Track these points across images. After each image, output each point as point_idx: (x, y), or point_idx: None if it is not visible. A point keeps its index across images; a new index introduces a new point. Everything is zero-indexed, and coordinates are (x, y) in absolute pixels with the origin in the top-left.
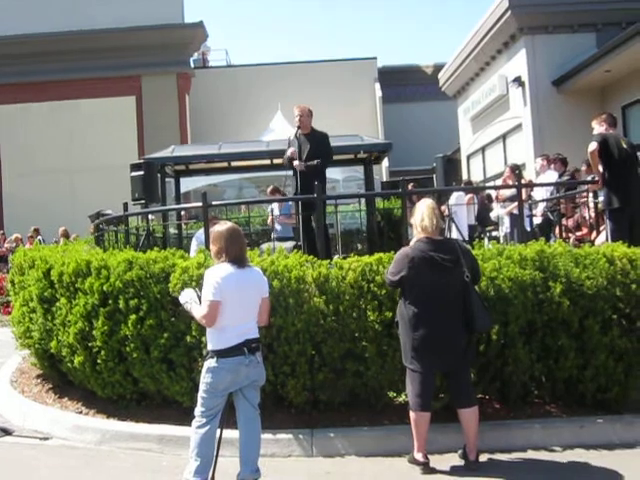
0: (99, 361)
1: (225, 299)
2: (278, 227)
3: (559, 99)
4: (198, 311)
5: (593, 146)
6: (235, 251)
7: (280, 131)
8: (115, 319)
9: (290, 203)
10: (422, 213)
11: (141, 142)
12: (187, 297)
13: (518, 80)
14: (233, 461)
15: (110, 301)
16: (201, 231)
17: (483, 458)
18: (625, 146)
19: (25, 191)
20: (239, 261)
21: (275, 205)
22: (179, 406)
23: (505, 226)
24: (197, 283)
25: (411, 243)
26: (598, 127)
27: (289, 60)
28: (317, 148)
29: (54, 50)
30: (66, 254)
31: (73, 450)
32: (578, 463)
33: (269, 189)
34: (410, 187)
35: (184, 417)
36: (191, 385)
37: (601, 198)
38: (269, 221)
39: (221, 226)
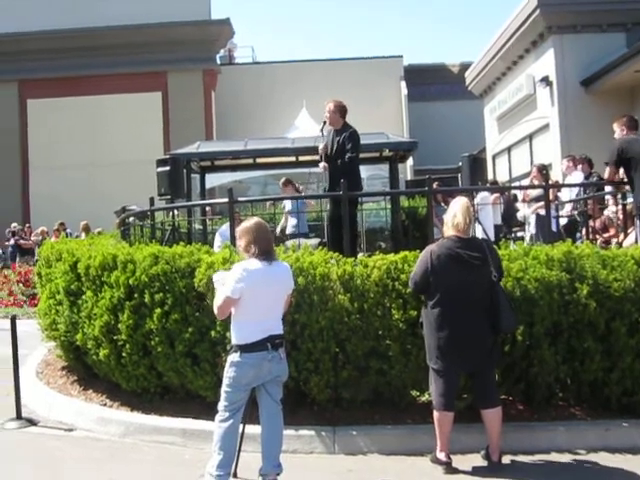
0: (124, 354)
1: (249, 295)
2: (294, 221)
3: (587, 99)
4: (215, 299)
5: (608, 172)
6: (263, 245)
7: (305, 128)
8: (140, 313)
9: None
10: (455, 211)
11: (167, 138)
12: (219, 277)
13: (546, 80)
14: (255, 456)
15: (136, 295)
16: (225, 227)
17: (506, 459)
18: None
19: (51, 185)
20: (267, 255)
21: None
22: (202, 400)
23: (531, 226)
24: None
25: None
26: (618, 131)
27: (315, 57)
28: (344, 144)
29: (81, 46)
30: (93, 248)
31: (97, 442)
32: (602, 466)
33: (282, 181)
34: (435, 186)
35: (207, 411)
36: (215, 380)
37: (629, 200)
38: (283, 218)
39: (248, 221)
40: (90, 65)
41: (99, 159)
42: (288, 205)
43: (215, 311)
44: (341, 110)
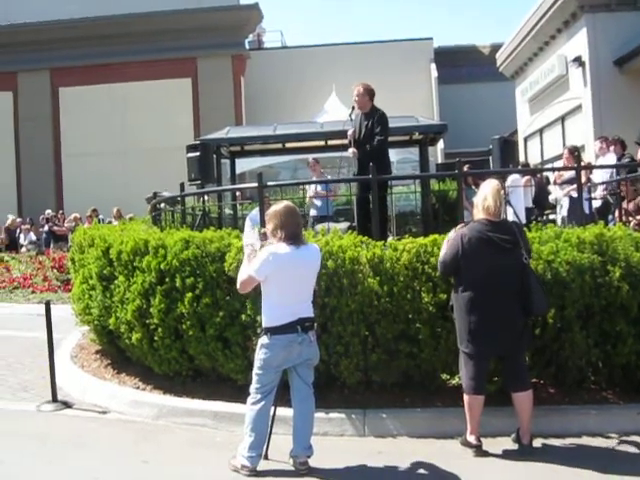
0: (156, 338)
1: (277, 278)
2: (318, 203)
3: (621, 80)
4: (241, 271)
5: (639, 154)
6: (291, 229)
7: (334, 112)
8: (172, 297)
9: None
10: (486, 193)
11: (197, 123)
12: (249, 240)
13: (578, 60)
14: (287, 439)
15: (167, 279)
16: (255, 211)
17: (537, 443)
18: None
19: (83, 172)
20: (295, 239)
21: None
22: (234, 383)
23: (563, 209)
24: None
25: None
26: None
27: (344, 41)
28: (372, 127)
29: (111, 33)
30: (124, 233)
31: (131, 424)
32: (635, 450)
33: (310, 160)
34: (465, 169)
35: (238, 394)
36: (245, 363)
37: None
38: (307, 198)
39: (277, 205)
40: (120, 52)
41: (130, 146)
42: (313, 188)
43: (237, 284)
44: (370, 93)
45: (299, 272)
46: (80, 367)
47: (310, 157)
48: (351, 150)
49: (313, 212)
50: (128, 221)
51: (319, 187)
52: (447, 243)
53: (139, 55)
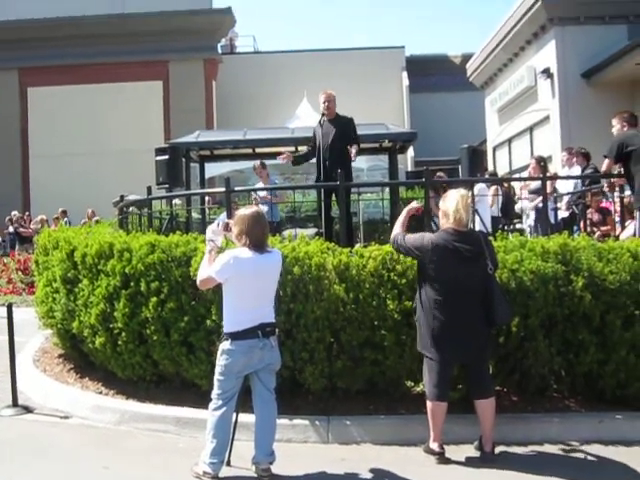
0: (120, 342)
1: (238, 283)
2: (264, 208)
3: (588, 92)
4: (201, 269)
5: (605, 165)
6: (256, 235)
7: (306, 118)
8: (136, 301)
9: (275, 182)
10: (458, 203)
11: (167, 127)
12: (211, 235)
13: (547, 72)
14: (249, 445)
15: (132, 283)
16: (223, 215)
17: (499, 450)
18: None
19: (51, 174)
20: (259, 246)
21: (260, 184)
22: (197, 389)
23: (530, 218)
24: None
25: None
26: (619, 126)
27: (316, 47)
28: (343, 133)
29: (82, 34)
30: (90, 236)
31: (93, 429)
32: (595, 458)
33: (256, 164)
34: (442, 176)
35: (202, 400)
36: (210, 368)
37: (627, 192)
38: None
39: (245, 210)
40: (91, 53)
41: (100, 148)
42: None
43: (197, 281)
44: (335, 99)
45: (260, 277)
46: (42, 371)
47: (257, 161)
48: (283, 156)
49: None
50: (94, 224)
51: (264, 192)
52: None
53: (110, 57)
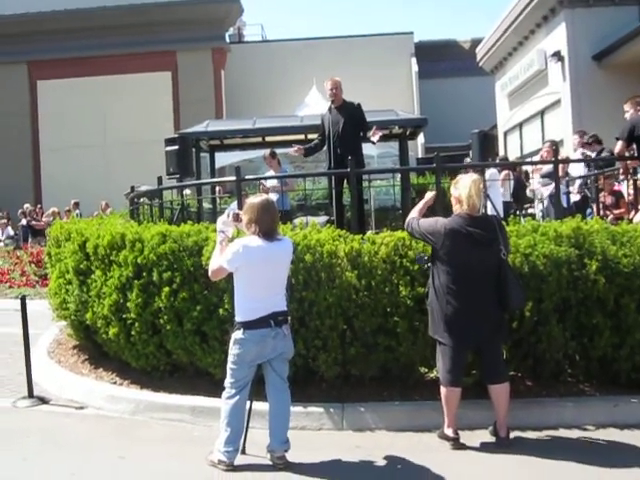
0: (133, 333)
1: (248, 272)
2: (274, 197)
3: (599, 74)
4: (212, 259)
5: (618, 147)
6: (266, 224)
7: (315, 106)
8: (149, 291)
9: (286, 171)
10: (470, 189)
11: (177, 117)
12: (222, 226)
13: (557, 55)
14: (265, 433)
15: (144, 274)
16: (234, 204)
17: (514, 435)
18: None
19: (62, 166)
20: (269, 234)
21: (270, 173)
22: (211, 378)
23: (544, 203)
24: None
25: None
26: (632, 111)
27: (325, 35)
28: (352, 120)
29: (90, 26)
30: (101, 227)
31: (108, 419)
32: (611, 442)
33: (266, 153)
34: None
35: (216, 389)
36: (223, 357)
37: None
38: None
39: (255, 198)
40: (99, 45)
41: (110, 140)
42: (271, 181)
43: (209, 271)
44: (341, 86)
45: (270, 266)
46: (57, 362)
47: (267, 151)
48: (294, 148)
49: None
50: (106, 215)
51: (275, 181)
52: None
53: (119, 48)
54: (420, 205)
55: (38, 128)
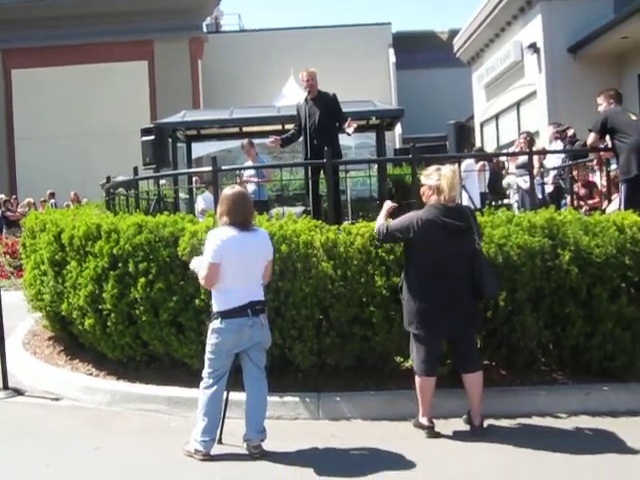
0: (109, 324)
1: (226, 261)
2: (251, 188)
3: (575, 66)
4: (200, 273)
5: (591, 138)
6: (239, 215)
7: (292, 96)
8: (125, 282)
9: (264, 161)
10: (453, 179)
11: (153, 107)
12: (195, 264)
13: (533, 46)
14: (241, 423)
15: (120, 264)
16: (207, 193)
17: (488, 423)
18: (635, 118)
19: (38, 156)
20: (243, 225)
21: (248, 163)
22: (188, 368)
23: (519, 194)
24: None
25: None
26: (605, 104)
27: (302, 25)
28: (328, 110)
29: (66, 14)
30: (77, 218)
31: (84, 410)
32: (582, 429)
33: (244, 142)
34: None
35: (192, 379)
36: (200, 348)
37: (613, 166)
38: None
39: (229, 190)
40: (75, 34)
41: (86, 129)
42: (249, 171)
43: (202, 283)
44: (316, 76)
45: (246, 256)
46: (32, 354)
47: (244, 140)
48: (271, 139)
49: None
50: (82, 205)
51: (251, 171)
52: (400, 218)
53: (94, 37)
54: (383, 213)
55: (13, 118)
